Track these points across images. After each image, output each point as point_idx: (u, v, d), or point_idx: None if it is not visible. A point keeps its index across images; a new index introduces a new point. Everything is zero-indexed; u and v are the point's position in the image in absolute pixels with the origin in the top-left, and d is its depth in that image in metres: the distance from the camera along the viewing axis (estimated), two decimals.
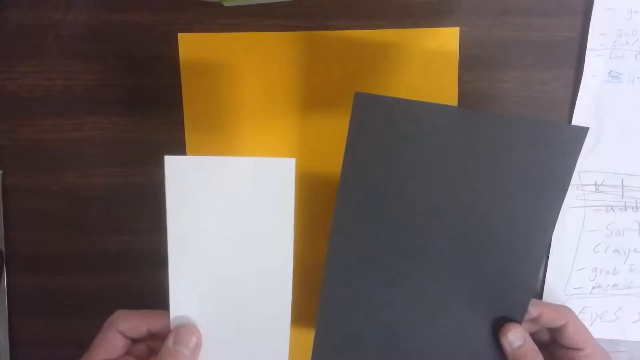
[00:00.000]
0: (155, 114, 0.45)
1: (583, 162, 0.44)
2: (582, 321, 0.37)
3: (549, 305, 0.37)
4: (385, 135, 0.35)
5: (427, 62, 0.43)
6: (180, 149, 0.45)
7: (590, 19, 0.42)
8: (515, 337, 0.35)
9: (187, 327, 0.34)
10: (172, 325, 0.35)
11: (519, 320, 0.36)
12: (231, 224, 0.34)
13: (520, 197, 0.34)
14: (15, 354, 0.47)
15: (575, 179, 0.44)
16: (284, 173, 0.34)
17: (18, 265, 0.46)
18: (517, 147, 0.34)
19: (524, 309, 0.36)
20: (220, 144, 0.45)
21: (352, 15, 0.43)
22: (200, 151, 0.45)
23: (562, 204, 0.34)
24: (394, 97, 0.34)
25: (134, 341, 0.36)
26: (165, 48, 0.44)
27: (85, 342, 0.49)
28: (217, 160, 0.34)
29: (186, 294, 0.35)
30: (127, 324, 0.35)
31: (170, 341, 0.33)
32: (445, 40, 0.43)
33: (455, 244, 0.35)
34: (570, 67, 0.43)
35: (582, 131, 0.33)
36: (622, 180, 0.44)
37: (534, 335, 0.37)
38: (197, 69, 0.44)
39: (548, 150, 0.34)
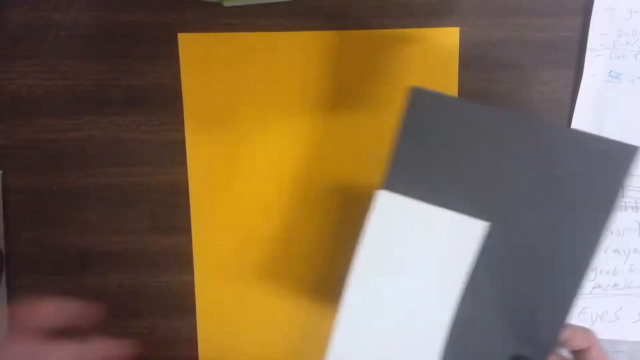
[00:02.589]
0: (155, 114, 0.45)
1: None
2: (583, 322, 0.37)
3: (578, 328, 0.37)
4: (436, 132, 0.33)
5: (427, 62, 0.43)
6: (180, 149, 0.45)
7: (590, 19, 0.42)
8: None
9: None
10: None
11: (550, 343, 0.34)
12: (410, 270, 0.33)
13: (565, 213, 0.32)
14: None
15: None
16: (471, 233, 0.33)
17: (18, 265, 0.46)
18: (566, 160, 0.32)
19: (557, 332, 0.34)
20: (220, 144, 0.45)
21: (352, 15, 0.43)
22: (200, 151, 0.45)
23: (605, 228, 0.32)
24: (449, 96, 0.33)
25: None
26: (165, 48, 0.44)
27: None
28: (421, 207, 0.33)
29: (352, 334, 0.34)
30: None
31: None
32: (445, 40, 0.43)
33: (494, 254, 0.34)
34: (570, 67, 0.43)
35: (632, 150, 0.31)
36: None
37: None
38: (197, 69, 0.44)
39: (596, 167, 0.32)
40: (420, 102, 0.33)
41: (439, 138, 0.34)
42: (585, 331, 0.36)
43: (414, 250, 0.33)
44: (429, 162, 0.34)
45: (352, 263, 0.33)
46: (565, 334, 0.34)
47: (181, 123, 0.45)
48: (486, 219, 0.33)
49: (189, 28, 0.44)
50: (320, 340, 0.46)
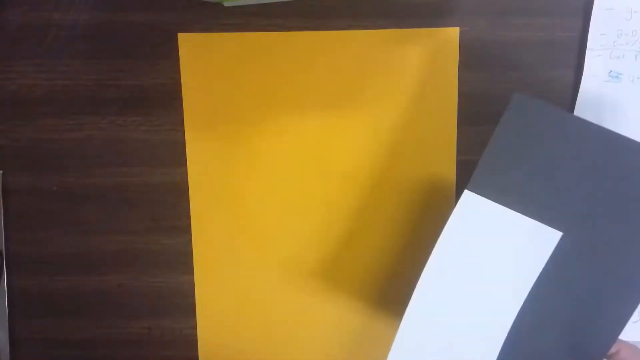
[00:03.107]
0: (155, 114, 0.45)
1: None
2: None
3: (626, 343, 0.37)
4: (530, 139, 0.34)
5: (427, 62, 0.43)
6: (180, 149, 0.45)
7: (590, 19, 0.42)
8: None
9: None
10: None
11: (601, 354, 0.34)
12: (481, 271, 0.34)
13: (636, 233, 0.33)
14: (15, 354, 0.47)
15: None
16: (545, 241, 0.33)
17: (18, 265, 0.46)
18: None
19: (610, 344, 0.34)
20: (220, 144, 0.45)
21: (352, 15, 0.43)
22: (200, 151, 0.45)
23: None
24: (552, 105, 0.34)
25: None
26: (165, 48, 0.44)
27: (85, 342, 0.49)
28: (502, 210, 0.34)
29: (416, 329, 0.34)
30: None
31: None
32: (445, 40, 0.43)
33: (561, 263, 0.34)
34: (570, 67, 0.43)
35: None
36: None
37: None
38: (197, 69, 0.44)
39: None
40: (521, 108, 0.34)
41: (531, 145, 0.34)
42: (633, 347, 0.36)
43: (488, 252, 0.34)
44: (516, 168, 0.34)
45: (430, 255, 0.34)
46: (613, 348, 0.35)
47: (181, 123, 0.45)
48: (559, 229, 0.33)
49: (189, 28, 0.44)
50: (320, 340, 0.46)
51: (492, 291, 0.34)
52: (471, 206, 0.34)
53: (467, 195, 0.34)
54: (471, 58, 0.43)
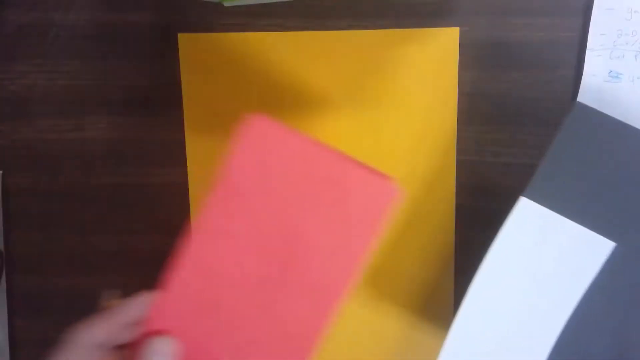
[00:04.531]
0: (155, 114, 0.45)
1: None
2: None
3: None
4: (589, 149, 0.34)
5: (427, 62, 0.43)
6: (180, 149, 0.45)
7: (590, 19, 0.42)
8: None
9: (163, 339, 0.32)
10: None
11: None
12: (533, 277, 0.34)
13: None
14: (15, 354, 0.47)
15: None
16: (598, 251, 0.34)
17: (18, 265, 0.46)
18: None
19: None
20: (220, 144, 0.45)
21: (352, 15, 0.43)
22: (200, 151, 0.45)
23: None
24: (612, 117, 0.34)
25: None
26: (165, 48, 0.44)
27: None
28: (557, 218, 0.34)
29: (467, 331, 0.34)
30: (99, 337, 0.32)
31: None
32: (445, 40, 0.43)
33: (610, 273, 0.34)
34: (570, 67, 0.43)
35: None
36: None
37: None
38: (197, 69, 0.44)
39: None
40: (582, 117, 0.34)
41: (589, 155, 0.34)
42: None
43: (541, 258, 0.34)
44: (573, 177, 0.34)
45: (483, 259, 0.34)
46: None
47: (181, 123, 0.45)
48: (612, 239, 0.34)
49: (189, 28, 0.44)
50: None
51: (543, 297, 0.34)
52: (526, 213, 0.34)
53: (523, 201, 0.34)
54: (471, 58, 0.43)
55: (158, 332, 0.32)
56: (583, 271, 0.34)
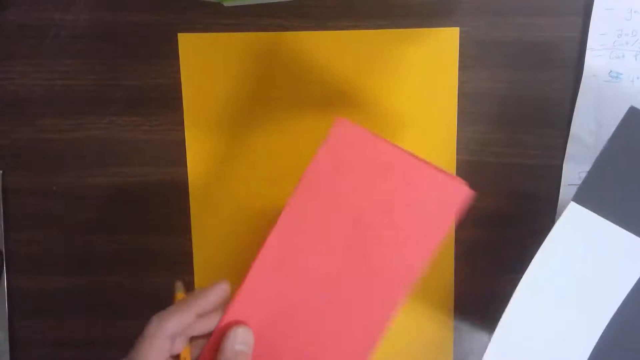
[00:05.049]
0: (155, 114, 0.45)
1: (582, 163, 0.44)
2: None
3: None
4: None
5: (427, 62, 0.43)
6: (180, 149, 0.45)
7: (590, 19, 0.42)
8: None
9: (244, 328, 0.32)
10: None
11: None
12: (578, 281, 0.34)
13: None
14: (15, 354, 0.47)
15: (575, 180, 0.44)
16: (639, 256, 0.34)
17: (18, 265, 0.46)
18: None
19: None
20: (220, 144, 0.45)
21: (352, 15, 0.43)
22: (200, 151, 0.45)
23: None
24: None
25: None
26: (165, 48, 0.44)
27: (85, 342, 0.49)
28: (604, 224, 0.34)
29: (510, 335, 0.34)
30: (177, 327, 0.31)
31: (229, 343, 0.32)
32: (445, 40, 0.43)
33: None
34: (570, 67, 0.43)
35: None
36: None
37: None
38: (197, 69, 0.44)
39: None
40: (635, 122, 0.34)
41: (638, 160, 0.34)
42: None
43: (586, 263, 0.34)
44: (623, 183, 0.35)
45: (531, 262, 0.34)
46: None
47: (181, 123, 0.45)
48: None
49: (189, 28, 0.44)
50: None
51: (587, 300, 0.35)
52: (575, 217, 0.34)
53: (573, 206, 0.34)
54: (471, 58, 0.43)
55: (238, 323, 0.33)
56: (626, 275, 0.34)
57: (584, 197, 0.35)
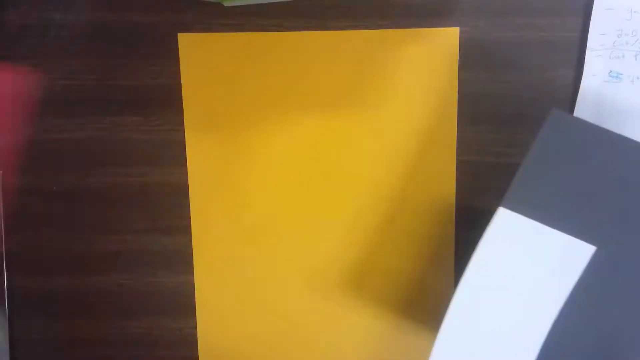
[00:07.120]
0: (155, 114, 0.45)
1: None
2: None
3: None
4: (566, 156, 0.34)
5: (427, 62, 0.43)
6: (180, 149, 0.45)
7: (590, 19, 0.42)
8: None
9: None
10: None
11: None
12: (515, 285, 0.34)
13: None
14: (15, 354, 0.47)
15: None
16: (579, 256, 0.34)
17: (18, 265, 0.46)
18: None
19: None
20: (220, 144, 0.45)
21: (352, 15, 0.43)
22: (200, 151, 0.45)
23: None
24: (590, 122, 0.34)
25: None
26: (165, 48, 0.44)
27: (85, 342, 0.49)
28: (536, 226, 0.34)
29: (453, 340, 0.35)
30: None
31: None
32: (445, 40, 0.43)
33: (594, 277, 0.34)
34: (570, 67, 0.43)
35: None
36: None
37: None
38: (197, 69, 0.44)
39: None
40: (558, 125, 0.34)
41: (566, 162, 0.34)
42: None
43: (522, 266, 0.34)
44: (551, 184, 0.35)
45: (465, 270, 0.34)
46: None
47: (181, 123, 0.45)
48: (593, 243, 0.34)
49: (189, 28, 0.44)
50: (316, 340, 0.46)
51: (526, 304, 0.34)
52: (505, 223, 0.34)
53: (502, 212, 0.34)
54: (471, 58, 0.43)
55: None
56: (565, 276, 0.34)
57: (512, 201, 0.35)
